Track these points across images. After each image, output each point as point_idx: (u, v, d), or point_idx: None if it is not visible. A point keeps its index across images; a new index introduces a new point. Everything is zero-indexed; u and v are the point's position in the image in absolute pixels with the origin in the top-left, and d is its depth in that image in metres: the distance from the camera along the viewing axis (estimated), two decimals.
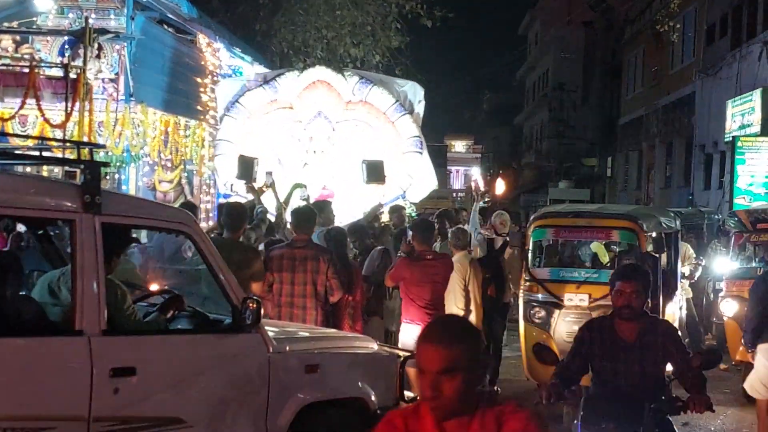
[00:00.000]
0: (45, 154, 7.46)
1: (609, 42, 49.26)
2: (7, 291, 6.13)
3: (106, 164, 6.69)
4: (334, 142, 15.59)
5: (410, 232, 11.21)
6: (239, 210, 9.90)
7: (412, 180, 15.68)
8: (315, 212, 10.44)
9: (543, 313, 11.92)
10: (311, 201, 13.13)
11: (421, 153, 15.82)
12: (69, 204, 5.95)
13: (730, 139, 25.37)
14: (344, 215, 13.83)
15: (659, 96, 36.58)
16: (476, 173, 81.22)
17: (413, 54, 28.80)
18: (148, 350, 6.31)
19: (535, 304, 12.01)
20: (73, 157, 7.22)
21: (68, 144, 8.67)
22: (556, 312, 11.83)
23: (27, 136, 10.61)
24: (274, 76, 16.41)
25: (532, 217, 12.77)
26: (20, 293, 6.30)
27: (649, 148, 39.23)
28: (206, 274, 6.89)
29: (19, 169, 9.48)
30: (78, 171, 6.48)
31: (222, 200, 15.66)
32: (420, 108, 16.17)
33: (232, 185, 15.09)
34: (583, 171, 54.07)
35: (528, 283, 12.18)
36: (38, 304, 6.17)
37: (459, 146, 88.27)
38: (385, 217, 14.27)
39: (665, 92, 35.74)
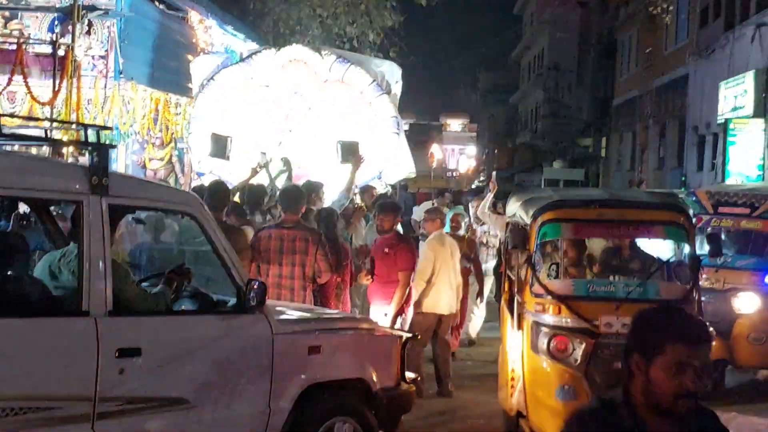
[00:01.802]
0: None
1: (604, 23, 49.22)
2: (15, 271, 6.23)
3: (113, 146, 6.74)
4: (309, 121, 15.47)
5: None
6: (221, 189, 9.95)
7: (388, 161, 15.59)
8: (304, 192, 10.45)
9: (568, 344, 8.75)
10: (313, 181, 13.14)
11: (398, 134, 15.70)
12: (77, 186, 6.00)
13: (723, 121, 25.40)
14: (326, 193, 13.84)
15: (653, 77, 36.58)
16: (472, 152, 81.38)
17: (408, 32, 28.85)
18: (153, 331, 6.39)
19: (553, 330, 8.84)
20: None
21: (75, 125, 8.76)
22: (588, 343, 8.68)
23: (34, 118, 10.62)
24: (251, 54, 16.30)
25: (536, 209, 9.33)
26: (27, 273, 6.36)
27: (642, 128, 39.26)
28: (210, 255, 6.94)
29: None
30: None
31: (197, 178, 15.58)
32: (397, 88, 16.05)
33: (200, 162, 15.03)
34: (577, 151, 54.14)
35: (538, 300, 8.97)
36: (44, 285, 6.22)
37: (454, 125, 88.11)
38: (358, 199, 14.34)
39: (659, 73, 35.73)
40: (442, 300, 11.53)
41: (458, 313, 12.24)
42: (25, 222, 8.41)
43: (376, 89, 15.40)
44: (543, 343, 8.80)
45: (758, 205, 12.68)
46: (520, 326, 9.17)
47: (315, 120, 15.37)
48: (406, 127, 33.62)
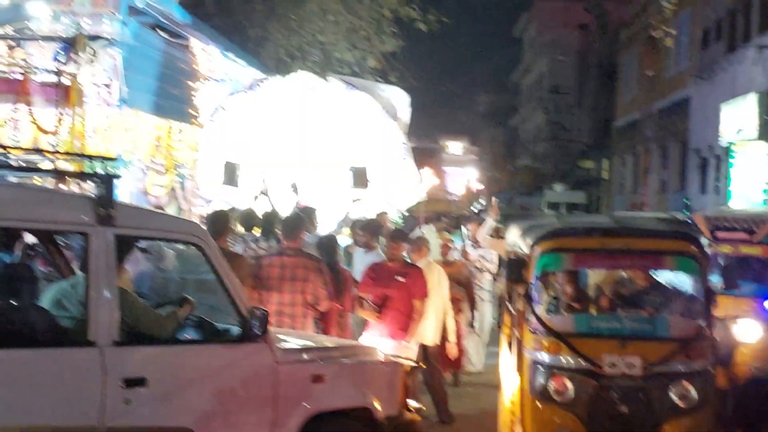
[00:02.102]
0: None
1: (604, 45, 49.32)
2: (22, 301, 6.28)
3: (118, 177, 6.76)
4: (317, 147, 15.49)
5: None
6: (222, 217, 9.97)
7: (397, 186, 15.60)
8: (304, 219, 10.47)
9: (568, 385, 8.14)
10: (306, 206, 13.14)
11: (405, 159, 15.75)
12: (83, 217, 6.04)
13: (725, 143, 25.39)
14: (328, 221, 13.82)
15: (654, 99, 36.62)
16: (472, 174, 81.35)
17: (408, 55, 28.93)
18: (159, 360, 6.40)
19: (551, 370, 8.24)
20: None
21: (80, 157, 8.79)
22: (590, 384, 8.11)
23: (41, 150, 10.65)
24: (258, 81, 16.36)
25: (536, 237, 8.85)
26: (34, 304, 6.39)
27: (644, 151, 39.29)
28: (212, 283, 6.96)
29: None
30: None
31: (204, 204, 15.61)
32: (404, 114, 16.11)
33: (208, 189, 15.09)
34: (578, 174, 54.16)
35: (536, 337, 8.40)
36: (51, 315, 6.24)
37: (454, 148, 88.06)
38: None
39: (661, 96, 35.78)
40: (427, 330, 11.21)
41: (446, 343, 11.80)
42: (32, 252, 8.41)
43: (384, 115, 15.42)
44: (540, 384, 8.23)
45: (757, 230, 12.40)
46: (518, 365, 8.68)
47: (323, 146, 15.38)
48: None
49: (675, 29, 31.85)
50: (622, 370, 8.05)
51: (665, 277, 9.85)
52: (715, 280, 11.36)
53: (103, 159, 6.99)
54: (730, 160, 24.31)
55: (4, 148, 6.41)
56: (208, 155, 15.48)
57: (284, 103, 15.60)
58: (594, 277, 10.31)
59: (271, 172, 14.68)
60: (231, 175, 14.27)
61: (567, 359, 8.20)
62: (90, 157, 7.02)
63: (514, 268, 9.02)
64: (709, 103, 28.57)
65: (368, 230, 12.38)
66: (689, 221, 13.08)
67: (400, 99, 16.24)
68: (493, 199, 16.41)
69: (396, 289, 10.46)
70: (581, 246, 8.88)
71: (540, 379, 8.26)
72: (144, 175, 17.23)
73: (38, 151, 10.50)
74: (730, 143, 24.48)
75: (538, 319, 8.44)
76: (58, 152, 11.25)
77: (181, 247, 8.42)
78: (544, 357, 8.30)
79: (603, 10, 48.14)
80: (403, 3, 25.71)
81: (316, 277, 9.37)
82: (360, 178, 14.36)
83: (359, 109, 15.51)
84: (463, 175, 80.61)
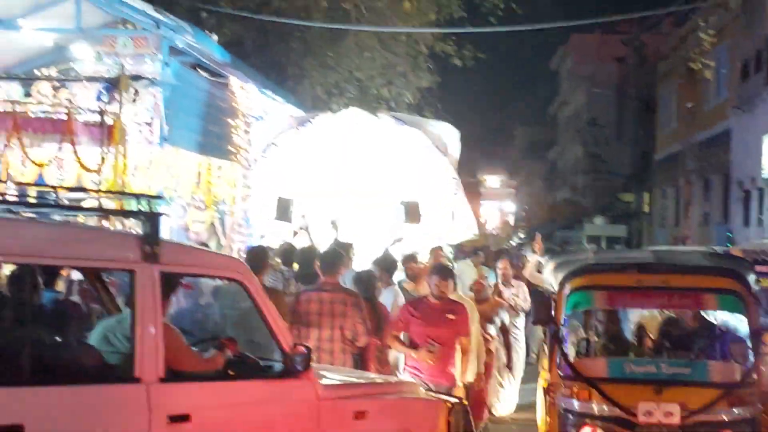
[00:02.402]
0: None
1: (642, 77, 49.20)
2: (69, 338, 6.40)
3: (163, 215, 6.87)
4: (368, 183, 15.60)
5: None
6: (260, 253, 10.02)
7: (448, 221, 15.66)
8: (343, 255, 10.48)
9: None
10: (342, 241, 13.19)
11: (456, 194, 15.82)
12: (129, 254, 6.12)
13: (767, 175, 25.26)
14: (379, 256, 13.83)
15: (695, 131, 36.45)
16: (510, 208, 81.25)
17: (444, 89, 29.05)
18: (203, 397, 6.46)
19: (582, 418, 7.75)
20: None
21: (126, 195, 8.92)
22: None
23: (87, 189, 10.79)
24: (309, 118, 16.53)
25: (565, 275, 8.35)
26: (81, 340, 6.51)
27: (686, 184, 39.07)
28: (253, 319, 7.03)
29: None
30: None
31: (260, 241, 15.76)
32: (455, 150, 16.20)
33: (260, 224, 15.24)
34: (619, 207, 53.89)
35: (567, 383, 7.94)
36: (98, 351, 6.32)
37: (492, 181, 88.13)
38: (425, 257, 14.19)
39: (701, 128, 35.63)
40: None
41: (476, 386, 11.21)
42: (78, 289, 8.49)
43: (434, 151, 15.52)
44: None
45: None
46: (548, 411, 8.25)
47: (373, 182, 15.48)
48: None
49: (714, 61, 31.76)
50: (658, 419, 7.51)
51: (717, 317, 9.24)
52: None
53: (148, 197, 7.07)
54: None
55: (53, 188, 6.50)
56: (261, 190, 15.64)
57: (335, 138, 15.74)
58: (634, 317, 9.68)
59: (317, 207, 14.79)
60: (284, 211, 14.42)
61: (599, 407, 7.69)
62: (136, 196, 7.10)
63: (540, 307, 8.49)
64: (750, 135, 28.46)
65: (382, 266, 11.92)
66: (739, 257, 11.70)
67: (450, 134, 16.34)
68: (536, 234, 16.22)
69: (446, 328, 9.98)
70: (614, 283, 8.30)
71: (570, 428, 7.82)
72: (185, 211, 17.40)
73: (83, 189, 10.63)
74: None
75: (568, 362, 7.93)
76: (102, 191, 11.39)
77: (223, 283, 8.46)
78: (575, 404, 7.81)
79: (640, 42, 48.05)
80: (438, 39, 25.85)
81: (355, 312, 9.36)
82: (413, 213, 14.43)
83: (409, 144, 15.64)
84: (501, 208, 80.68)
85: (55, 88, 15.52)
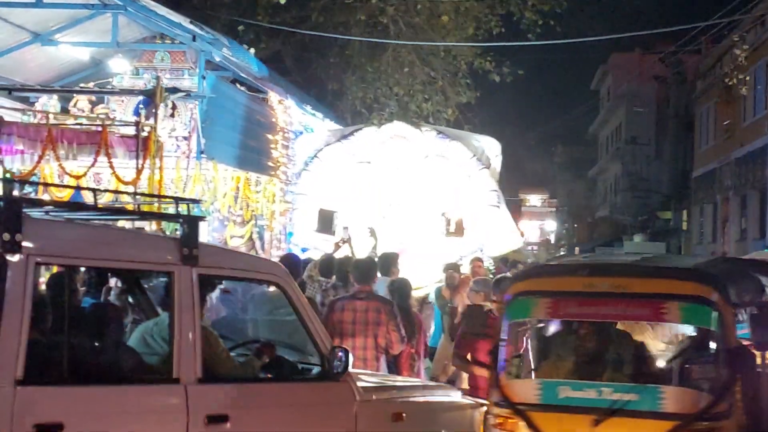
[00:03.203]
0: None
1: (681, 95, 49.11)
2: (110, 341, 6.44)
3: (203, 218, 6.97)
4: (411, 195, 15.70)
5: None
6: (293, 262, 10.17)
7: (489, 234, 15.70)
8: (376, 263, 10.57)
9: None
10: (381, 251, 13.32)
11: (498, 207, 15.88)
12: (168, 257, 6.19)
13: None
14: (421, 269, 13.90)
15: (732, 148, 36.33)
16: (551, 226, 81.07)
17: (484, 108, 29.06)
18: (240, 398, 6.49)
19: None
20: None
21: (165, 198, 9.04)
22: None
23: (125, 192, 10.95)
24: (352, 131, 16.65)
25: (511, 277, 7.59)
26: (122, 342, 6.56)
27: (723, 200, 38.90)
28: (290, 324, 7.09)
29: None
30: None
31: (302, 254, 15.88)
32: (497, 162, 16.28)
33: (303, 237, 15.35)
34: (658, 224, 53.67)
35: (496, 411, 6.68)
36: (137, 354, 6.38)
37: (534, 200, 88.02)
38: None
39: (738, 145, 35.49)
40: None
41: None
42: (118, 292, 8.61)
43: (476, 163, 15.68)
44: None
45: None
46: None
47: (416, 194, 15.60)
48: None
49: (751, 77, 31.64)
50: None
51: (686, 329, 7.46)
52: None
53: (187, 200, 7.18)
54: None
55: (94, 191, 6.60)
56: (304, 203, 15.77)
57: (378, 151, 15.85)
58: (586, 325, 7.31)
59: (359, 219, 14.90)
60: (327, 223, 14.56)
61: None
62: (176, 199, 7.21)
63: (471, 320, 7.15)
64: None
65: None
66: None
67: (492, 147, 16.42)
68: (576, 249, 16.25)
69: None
70: (559, 288, 6.72)
71: None
72: (223, 226, 17.53)
73: (123, 193, 10.76)
74: None
75: (498, 384, 6.60)
76: (146, 194, 11.55)
77: (263, 287, 8.57)
78: None
79: (679, 60, 47.94)
80: (477, 55, 25.90)
81: (389, 320, 9.42)
82: (456, 227, 14.53)
83: (452, 156, 15.71)
84: (543, 226, 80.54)
85: (93, 103, 15.73)
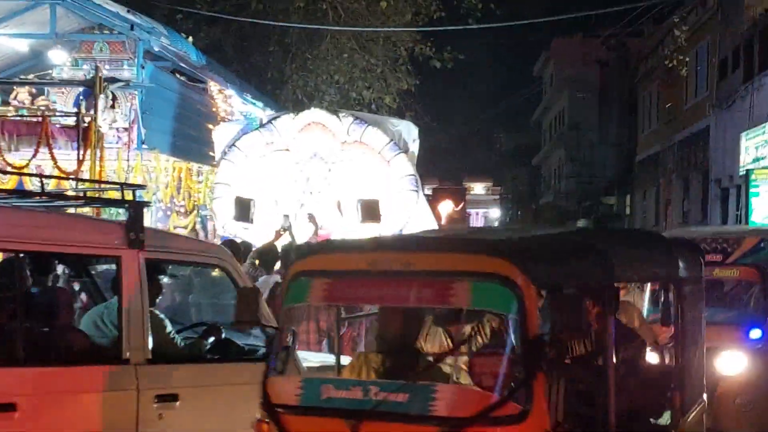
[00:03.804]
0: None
1: (624, 79, 49.42)
2: (60, 323, 6.60)
3: (148, 204, 7.01)
4: (330, 182, 15.70)
5: None
6: (235, 247, 10.26)
7: (409, 218, 15.71)
8: (287, 251, 10.69)
9: None
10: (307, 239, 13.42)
11: (416, 191, 15.90)
12: (115, 241, 6.32)
13: (745, 172, 25.33)
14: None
15: (674, 131, 36.61)
16: (495, 214, 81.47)
17: (426, 96, 29.10)
18: (189, 378, 6.64)
19: None
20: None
21: (111, 185, 9.10)
22: None
23: (72, 178, 10.93)
24: (270, 119, 16.56)
25: (293, 256, 6.79)
26: (72, 325, 6.73)
27: (665, 183, 39.21)
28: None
29: None
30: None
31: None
32: (414, 147, 16.28)
33: (224, 226, 15.33)
34: (602, 210, 54.07)
35: (261, 414, 5.43)
36: (88, 336, 6.53)
37: (478, 188, 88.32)
38: None
39: (680, 127, 35.78)
40: None
41: None
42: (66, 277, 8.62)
43: (394, 148, 15.64)
44: None
45: (731, 250, 11.11)
46: None
47: (335, 181, 15.58)
48: (430, 192, 33.88)
49: (692, 59, 31.92)
50: None
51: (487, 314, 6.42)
52: None
53: (131, 186, 7.22)
54: (751, 189, 24.18)
55: (40, 177, 6.68)
56: (224, 193, 15.68)
57: (295, 139, 15.79)
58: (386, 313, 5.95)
59: (286, 207, 14.88)
60: (244, 211, 14.51)
61: None
62: (121, 185, 7.26)
63: (244, 305, 5.71)
64: (728, 133, 28.59)
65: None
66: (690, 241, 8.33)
67: (410, 132, 16.42)
68: None
69: None
70: (339, 267, 5.42)
71: None
72: (166, 217, 17.43)
73: (69, 179, 10.75)
74: (750, 172, 24.41)
75: (264, 383, 5.48)
76: (93, 180, 11.51)
77: (209, 271, 8.67)
78: None
79: (621, 43, 48.26)
80: (417, 40, 25.93)
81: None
82: (372, 212, 14.52)
83: (368, 142, 15.70)
84: (487, 215, 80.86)
85: (33, 95, 15.59)
